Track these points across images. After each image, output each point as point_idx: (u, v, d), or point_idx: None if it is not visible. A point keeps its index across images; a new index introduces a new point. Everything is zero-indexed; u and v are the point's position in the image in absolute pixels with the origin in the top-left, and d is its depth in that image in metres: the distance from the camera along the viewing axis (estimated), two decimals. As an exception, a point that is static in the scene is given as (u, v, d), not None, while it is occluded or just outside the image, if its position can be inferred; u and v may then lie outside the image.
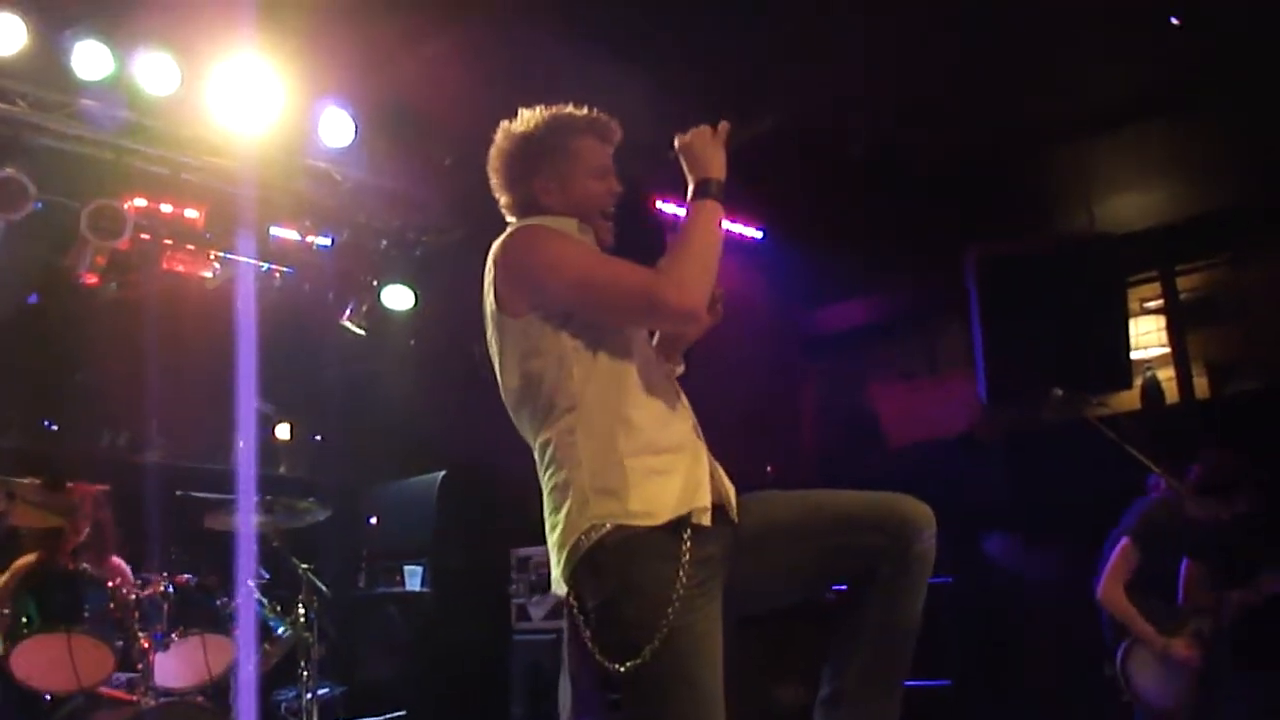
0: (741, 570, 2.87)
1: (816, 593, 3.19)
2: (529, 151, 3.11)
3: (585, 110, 3.15)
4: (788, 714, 6.39)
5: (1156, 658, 5.68)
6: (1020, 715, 7.24)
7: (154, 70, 6.44)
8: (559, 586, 2.89)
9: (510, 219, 3.14)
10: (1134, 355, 8.96)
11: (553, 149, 3.09)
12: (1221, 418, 8.75)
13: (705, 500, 2.82)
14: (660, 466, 2.82)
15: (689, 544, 2.73)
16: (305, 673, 6.20)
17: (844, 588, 3.03)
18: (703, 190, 2.99)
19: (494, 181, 3.20)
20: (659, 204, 7.67)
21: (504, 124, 3.17)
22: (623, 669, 2.70)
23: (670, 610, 2.66)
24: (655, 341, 3.17)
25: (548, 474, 2.90)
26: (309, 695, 6.21)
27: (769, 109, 3.20)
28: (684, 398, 3.07)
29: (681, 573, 2.70)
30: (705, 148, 3.03)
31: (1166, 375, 9.23)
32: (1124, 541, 5.83)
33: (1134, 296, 9.18)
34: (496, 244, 2.97)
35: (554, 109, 3.14)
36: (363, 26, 6.30)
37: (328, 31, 6.37)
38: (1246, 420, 8.38)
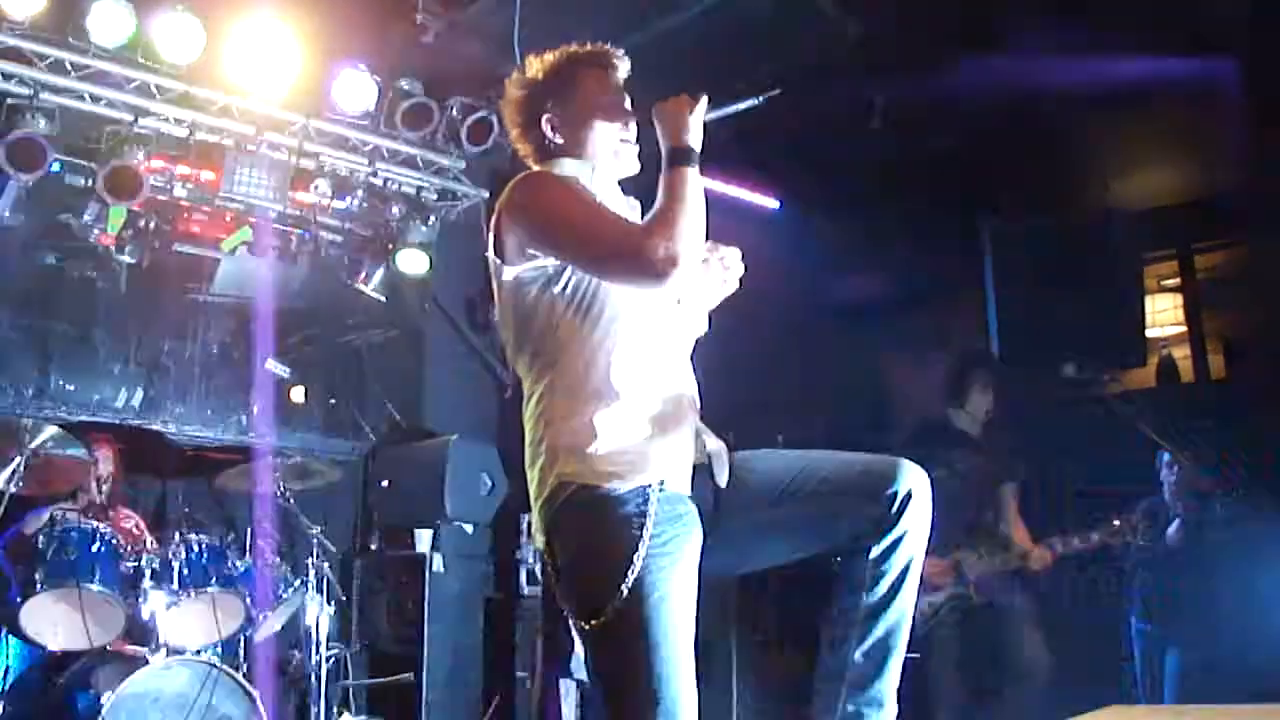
0: (727, 528, 2.88)
1: (806, 555, 3.19)
2: (535, 94, 3.11)
3: (587, 45, 3.14)
4: (796, 682, 6.42)
5: None
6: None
7: (173, 31, 6.44)
8: (539, 537, 2.91)
9: (533, 166, 3.14)
10: (1150, 333, 8.94)
11: (557, 86, 3.10)
12: (1236, 398, 8.73)
13: (677, 470, 2.82)
14: (635, 430, 2.82)
15: (654, 507, 2.73)
16: (315, 633, 6.24)
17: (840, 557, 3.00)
18: (677, 158, 2.93)
19: (511, 134, 3.20)
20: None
21: (514, 72, 3.17)
22: (587, 627, 2.73)
23: (631, 571, 2.67)
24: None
25: (528, 427, 2.93)
26: (318, 656, 6.25)
27: (778, 78, 3.16)
28: (687, 363, 3.06)
29: (645, 534, 2.70)
30: (680, 115, 2.97)
31: (1182, 354, 9.20)
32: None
33: (1151, 274, 9.15)
34: (503, 194, 2.96)
35: (555, 53, 3.13)
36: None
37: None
38: (1261, 401, 8.36)
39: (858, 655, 2.91)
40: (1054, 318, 7.20)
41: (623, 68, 3.15)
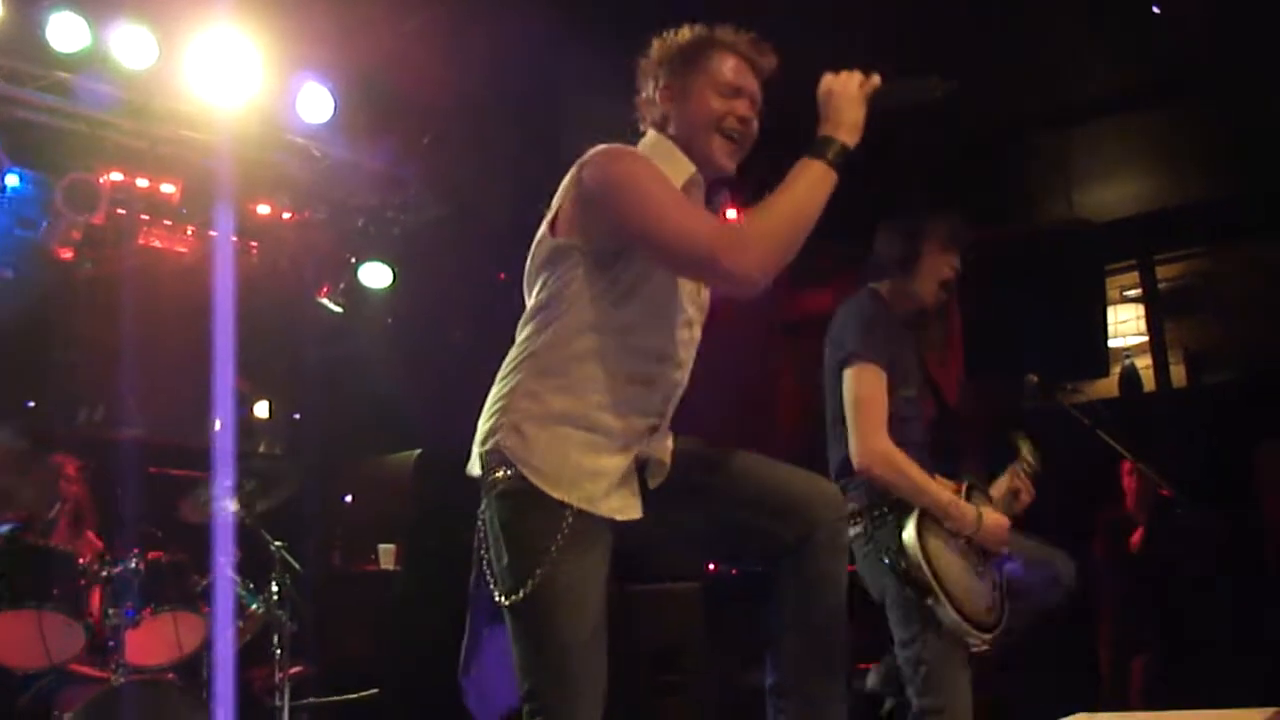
0: (647, 522, 2.83)
1: (719, 560, 3.17)
2: (666, 57, 2.98)
3: (742, 32, 3.00)
4: (759, 693, 6.41)
5: None
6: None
7: (131, 43, 6.37)
8: (474, 468, 2.88)
9: (640, 129, 3.03)
10: (1112, 343, 8.99)
11: (688, 59, 2.96)
12: (1198, 407, 8.78)
13: (609, 509, 2.77)
14: (589, 442, 2.77)
15: (574, 522, 2.70)
16: (278, 650, 6.18)
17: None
18: (820, 148, 2.79)
19: (640, 96, 3.05)
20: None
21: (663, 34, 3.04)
22: (503, 603, 2.74)
23: (546, 559, 2.66)
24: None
25: (497, 382, 2.87)
26: (281, 674, 6.20)
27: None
28: (674, 398, 2.98)
29: (562, 531, 2.68)
30: (845, 101, 2.83)
31: (1144, 364, 9.26)
32: None
33: (1113, 285, 9.21)
34: (581, 159, 2.83)
35: (708, 25, 3.00)
36: (342, 1, 6.26)
37: (307, 6, 6.33)
38: (1223, 410, 8.42)
39: (797, 677, 2.91)
40: (1017, 329, 7.22)
41: (766, 62, 3.00)
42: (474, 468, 2.88)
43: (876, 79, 2.87)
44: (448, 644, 7.37)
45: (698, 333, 3.02)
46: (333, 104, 7.09)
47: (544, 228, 2.89)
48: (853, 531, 3.94)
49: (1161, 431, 8.32)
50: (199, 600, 6.06)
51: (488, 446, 2.80)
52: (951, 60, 6.71)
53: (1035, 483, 4.47)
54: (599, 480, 2.76)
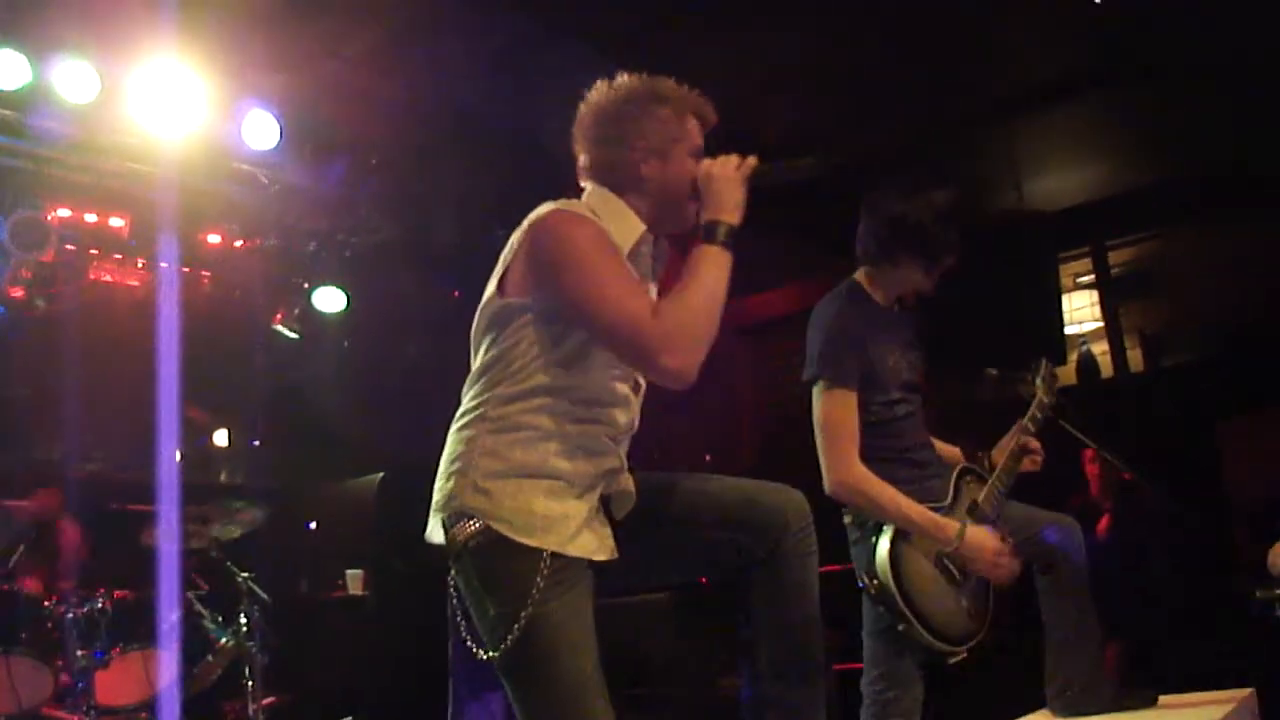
0: (620, 550, 2.82)
1: (693, 578, 3.15)
2: (632, 114, 2.93)
3: (689, 88, 2.98)
4: (729, 704, 6.41)
5: None
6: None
7: (73, 78, 6.32)
8: (435, 535, 2.84)
9: (585, 183, 2.99)
10: (1068, 330, 9.06)
11: (660, 120, 2.93)
12: (1157, 390, 8.86)
13: (581, 549, 2.75)
14: (551, 490, 2.75)
15: (549, 566, 2.67)
16: (250, 682, 6.14)
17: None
18: (711, 233, 2.82)
19: (580, 138, 3.00)
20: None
21: (602, 82, 2.98)
22: (488, 658, 2.70)
23: (530, 601, 2.63)
24: None
25: (449, 443, 2.84)
26: (254, 705, 6.16)
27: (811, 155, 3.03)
28: (626, 444, 2.96)
29: (541, 573, 2.66)
30: (725, 184, 2.86)
31: (1101, 349, 9.33)
32: None
33: (1066, 272, 9.28)
34: (534, 217, 2.82)
35: (658, 80, 2.97)
36: (283, 29, 6.22)
37: (248, 34, 6.29)
38: (1181, 392, 8.49)
39: (774, 686, 2.90)
40: (972, 320, 7.25)
41: (711, 121, 3.01)
42: (435, 534, 2.83)
43: (753, 160, 2.91)
44: (420, 667, 7.40)
45: (643, 379, 3.00)
46: (278, 130, 7.06)
47: (492, 287, 2.87)
48: (846, 520, 3.96)
49: (1122, 416, 8.39)
50: (168, 636, 6.04)
51: (451, 509, 2.76)
52: (895, 55, 6.80)
53: (1054, 413, 4.37)
54: (567, 523, 2.74)
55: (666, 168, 2.92)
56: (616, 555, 2.80)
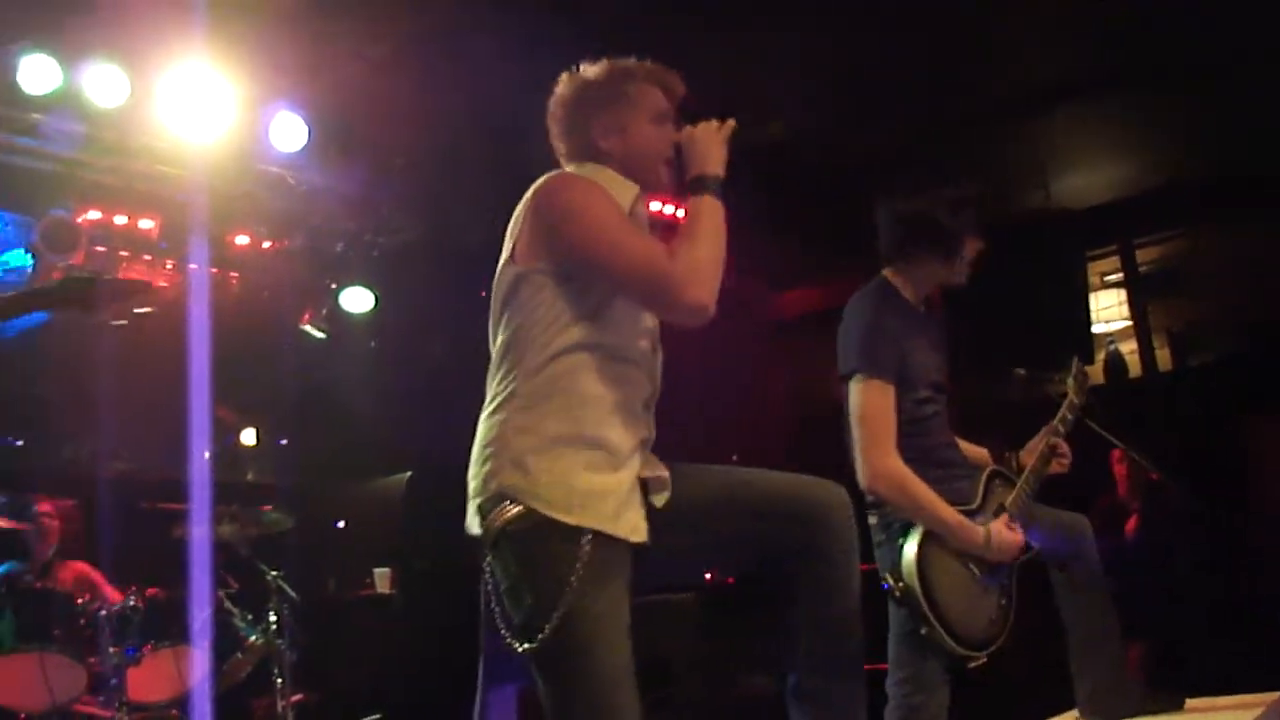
0: (657, 545, 2.83)
1: (733, 572, 3.17)
2: (589, 97, 3.08)
3: (648, 61, 3.12)
4: (755, 702, 6.42)
5: None
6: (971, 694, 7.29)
7: (102, 82, 6.37)
8: (473, 527, 2.86)
9: (568, 168, 3.10)
10: (1096, 329, 9.03)
11: (614, 95, 3.07)
12: (1183, 389, 8.82)
13: (625, 528, 2.77)
14: (591, 462, 2.78)
15: (591, 548, 2.69)
16: (279, 680, 6.18)
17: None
18: (700, 185, 2.98)
19: (553, 130, 3.15)
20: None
21: (566, 73, 3.14)
22: (523, 649, 2.71)
23: (567, 592, 2.64)
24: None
25: (482, 428, 2.87)
26: (283, 703, 6.20)
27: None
28: (653, 405, 3.01)
29: (580, 559, 2.67)
30: (709, 142, 3.02)
31: (1129, 348, 9.30)
32: None
33: (1093, 271, 9.26)
34: (534, 187, 2.93)
35: (615, 61, 3.11)
36: (311, 31, 6.26)
37: (276, 37, 6.33)
38: (1208, 391, 8.45)
39: (816, 678, 2.91)
40: (1000, 320, 7.23)
41: (678, 90, 3.14)
42: (472, 525, 2.85)
43: (731, 122, 3.06)
44: (447, 665, 7.42)
45: (657, 332, 3.07)
46: (306, 132, 7.10)
47: (504, 258, 2.93)
48: (872, 521, 3.94)
49: (1149, 415, 8.36)
50: (199, 633, 6.08)
51: (487, 492, 2.78)
52: (924, 53, 6.80)
53: (1084, 414, 4.34)
54: (607, 499, 2.76)
55: (627, 138, 3.06)
56: (647, 540, 2.81)
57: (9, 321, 5.92)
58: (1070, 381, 4.41)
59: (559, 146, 3.14)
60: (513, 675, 2.79)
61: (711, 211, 2.94)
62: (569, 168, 3.09)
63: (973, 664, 3.78)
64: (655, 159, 3.06)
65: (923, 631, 3.70)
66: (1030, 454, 4.22)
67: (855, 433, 3.88)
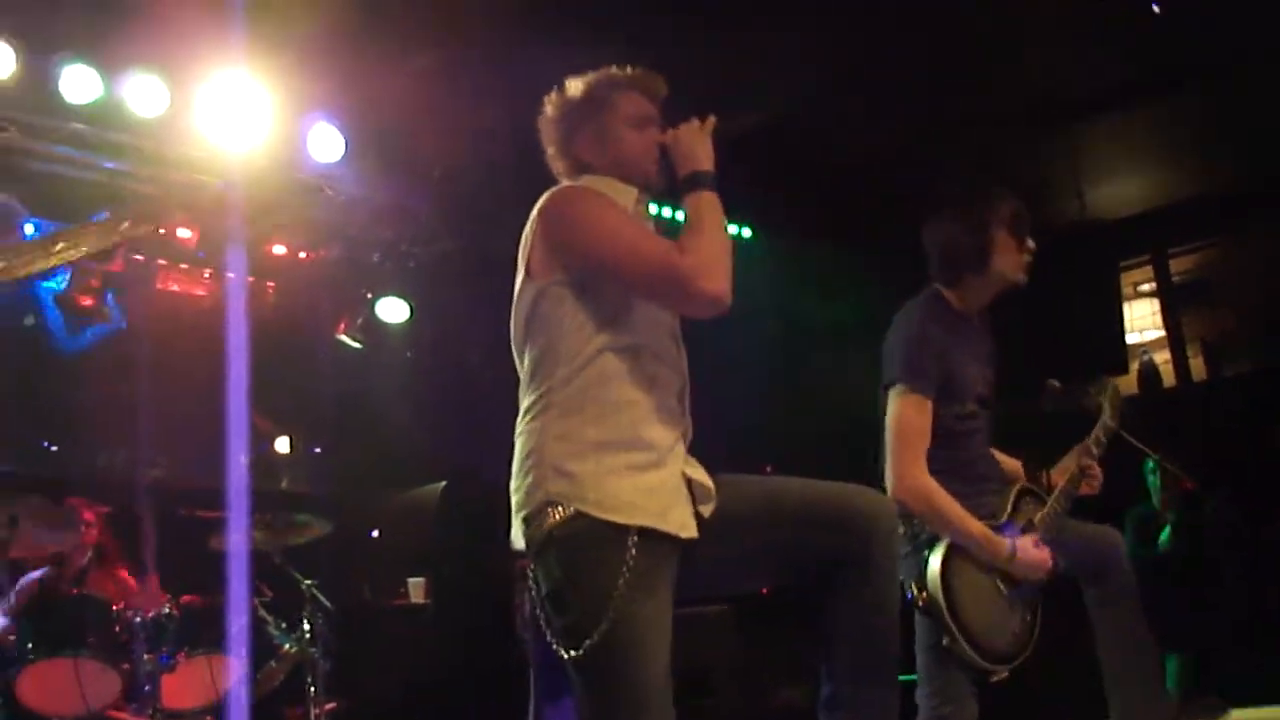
0: (703, 555, 2.86)
1: (777, 582, 3.19)
2: (570, 112, 3.17)
3: (628, 68, 3.19)
4: (791, 714, 6.41)
5: None
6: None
7: (142, 92, 6.44)
8: (518, 541, 2.90)
9: (565, 182, 3.17)
10: (1129, 339, 9.00)
11: (593, 106, 3.15)
12: (1218, 399, 8.78)
13: (674, 524, 2.80)
14: (634, 462, 2.81)
15: (638, 550, 2.72)
16: (312, 688, 6.20)
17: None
18: (696, 182, 3.02)
19: (548, 151, 3.24)
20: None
21: (553, 93, 3.22)
22: (568, 656, 2.73)
23: (613, 600, 2.67)
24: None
25: (520, 440, 2.91)
26: (317, 711, 6.22)
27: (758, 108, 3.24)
28: (686, 399, 3.06)
29: (627, 564, 2.70)
30: (694, 140, 3.07)
31: (1163, 358, 9.26)
32: None
33: (1127, 281, 9.24)
34: (539, 204, 2.99)
35: (591, 74, 3.20)
36: (349, 42, 6.31)
37: (315, 48, 6.38)
38: (1243, 400, 8.41)
39: (851, 687, 2.91)
40: (1032, 331, 7.20)
41: (659, 91, 3.20)
42: (517, 538, 2.90)
43: (712, 118, 3.12)
44: (481, 675, 7.45)
45: (678, 327, 3.11)
46: (343, 143, 7.14)
47: (520, 277, 2.99)
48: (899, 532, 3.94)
49: (1184, 425, 8.32)
50: (232, 641, 6.10)
51: (533, 503, 2.81)
52: (955, 61, 6.79)
53: (1119, 430, 4.31)
54: (654, 497, 2.80)
55: (611, 147, 3.14)
56: (696, 535, 2.83)
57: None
58: (1104, 402, 4.39)
59: (555, 166, 3.23)
60: (564, 685, 2.81)
61: (710, 205, 2.99)
62: (567, 183, 3.14)
63: (994, 678, 3.79)
64: (642, 162, 3.13)
65: (945, 643, 3.71)
66: (1061, 473, 4.21)
67: (888, 443, 3.90)
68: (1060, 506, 4.08)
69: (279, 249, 7.63)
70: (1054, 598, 4.03)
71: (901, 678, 2.96)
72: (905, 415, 3.88)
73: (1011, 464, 4.24)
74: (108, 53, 6.32)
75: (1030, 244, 4.17)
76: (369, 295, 7.87)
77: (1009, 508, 4.00)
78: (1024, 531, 3.94)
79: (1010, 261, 4.14)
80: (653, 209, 3.26)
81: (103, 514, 6.62)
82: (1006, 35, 6.69)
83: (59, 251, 2.19)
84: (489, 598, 7.62)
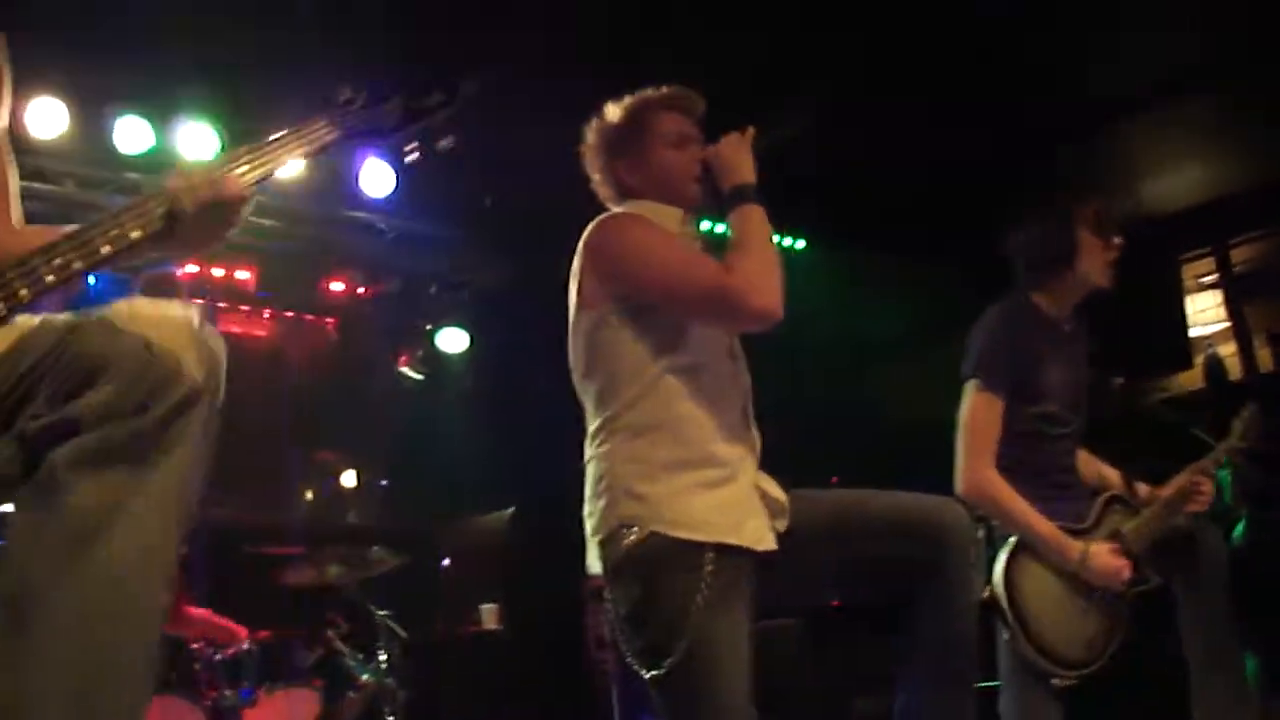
0: (774, 568, 2.86)
1: (852, 595, 3.19)
2: (610, 137, 3.20)
3: (664, 88, 3.20)
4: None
5: None
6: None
7: (195, 139, 6.53)
8: (595, 566, 2.92)
9: (613, 209, 3.19)
10: (1193, 333, 8.89)
11: (631, 130, 3.18)
12: (1287, 389, 8.66)
13: (750, 538, 2.81)
14: (705, 480, 2.83)
15: (714, 566, 2.73)
16: (390, 717, 6.23)
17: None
18: (739, 196, 3.02)
19: (593, 179, 3.27)
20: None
21: (593, 120, 3.25)
22: (648, 675, 2.74)
23: (691, 619, 2.68)
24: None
25: (589, 466, 2.94)
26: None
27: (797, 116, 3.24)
28: (751, 412, 3.07)
29: (704, 582, 2.70)
30: (735, 154, 3.07)
31: (1228, 351, 9.14)
32: None
33: (1188, 273, 9.12)
34: (585, 235, 3.01)
35: (626, 100, 3.22)
36: (396, 74, 6.36)
37: (361, 84, 6.43)
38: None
39: (929, 695, 2.91)
40: (1094, 328, 7.15)
41: (697, 108, 3.22)
42: (593, 563, 2.92)
43: (751, 130, 3.12)
44: (554, 700, 7.45)
45: (737, 341, 3.13)
46: (394, 177, 7.21)
47: (573, 308, 3.02)
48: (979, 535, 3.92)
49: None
50: (310, 674, 6.15)
51: (607, 527, 2.84)
52: (1005, 61, 6.76)
53: (1250, 457, 4.35)
54: (727, 513, 2.81)
55: (652, 169, 3.15)
56: (775, 547, 2.84)
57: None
58: (1238, 424, 4.35)
59: (601, 192, 3.25)
60: (645, 706, 2.83)
61: (756, 218, 2.99)
62: (612, 211, 3.16)
63: (1059, 681, 3.74)
64: (684, 181, 3.13)
65: (1005, 637, 3.71)
66: (1167, 488, 4.14)
67: (959, 436, 3.93)
68: (1160, 521, 4.02)
69: (336, 285, 7.69)
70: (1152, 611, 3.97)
71: (982, 684, 2.95)
72: (976, 410, 3.92)
73: (1109, 473, 4.22)
74: (159, 102, 6.42)
75: (1116, 241, 4.19)
76: (428, 327, 7.93)
77: (1095, 514, 3.98)
78: (1109, 539, 3.91)
79: (1096, 262, 4.15)
80: (703, 225, 3.28)
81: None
82: (1060, 26, 6.66)
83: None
84: (561, 621, 7.64)
